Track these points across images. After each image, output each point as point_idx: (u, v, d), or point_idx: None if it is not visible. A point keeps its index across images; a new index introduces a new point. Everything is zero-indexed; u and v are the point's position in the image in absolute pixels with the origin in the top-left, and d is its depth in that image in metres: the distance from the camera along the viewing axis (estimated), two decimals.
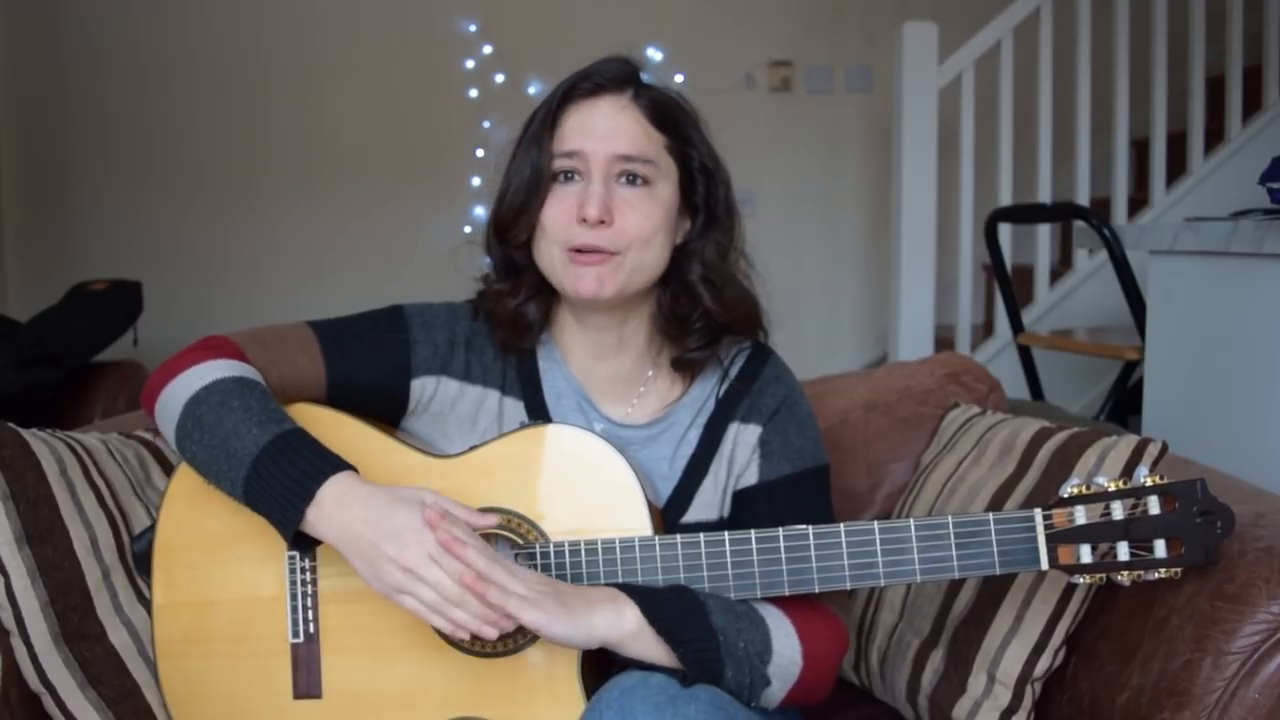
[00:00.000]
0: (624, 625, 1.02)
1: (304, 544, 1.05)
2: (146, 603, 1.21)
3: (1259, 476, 1.34)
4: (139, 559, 1.24)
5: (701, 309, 1.16)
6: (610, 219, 1.10)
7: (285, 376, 1.14)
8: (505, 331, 1.19)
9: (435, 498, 1.03)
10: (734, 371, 1.21)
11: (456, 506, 1.03)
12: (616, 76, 1.14)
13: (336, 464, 1.04)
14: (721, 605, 1.06)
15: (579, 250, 1.11)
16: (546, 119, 1.13)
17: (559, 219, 1.12)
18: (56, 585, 1.17)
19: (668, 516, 1.17)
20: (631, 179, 1.12)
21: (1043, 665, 1.21)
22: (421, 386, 1.18)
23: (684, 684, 1.00)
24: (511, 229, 1.14)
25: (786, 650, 1.08)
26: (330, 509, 1.02)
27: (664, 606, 1.03)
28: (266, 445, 1.03)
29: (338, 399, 1.17)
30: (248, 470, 1.03)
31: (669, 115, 1.15)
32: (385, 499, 1.02)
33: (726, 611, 1.06)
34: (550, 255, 1.13)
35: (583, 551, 1.07)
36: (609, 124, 1.12)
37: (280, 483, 1.02)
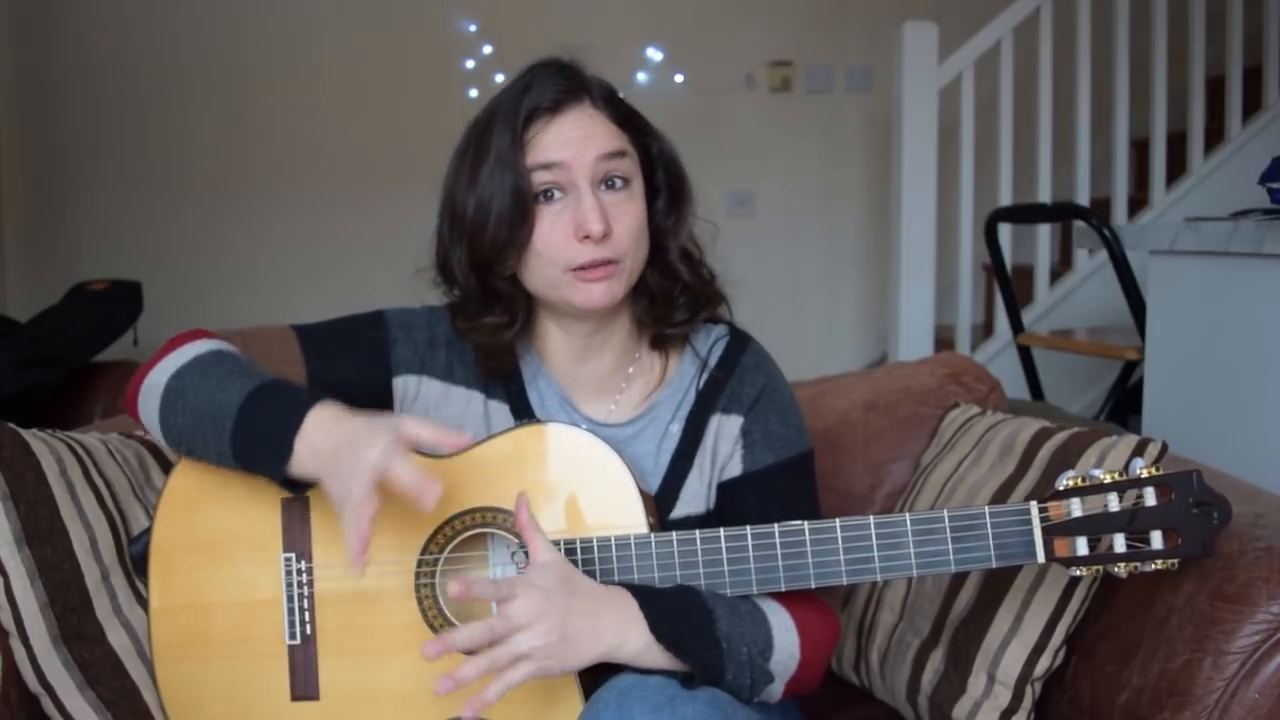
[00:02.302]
0: (625, 650, 1.02)
1: (296, 487, 1.05)
2: (145, 604, 1.21)
3: (1259, 476, 1.34)
4: (137, 561, 1.24)
5: (681, 284, 1.17)
6: (609, 229, 1.09)
7: None
8: (493, 361, 1.17)
9: (411, 424, 1.00)
10: (712, 361, 1.21)
11: (430, 429, 1.00)
12: (571, 86, 1.11)
13: (317, 395, 1.04)
14: (727, 608, 1.06)
15: (583, 268, 1.09)
16: (514, 144, 1.09)
17: (555, 241, 1.09)
18: (56, 586, 1.17)
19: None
20: (611, 183, 1.11)
21: (1043, 665, 1.21)
22: (403, 385, 1.18)
23: (685, 684, 1.00)
24: (498, 263, 1.11)
25: (786, 646, 1.09)
26: (315, 437, 1.01)
27: (671, 617, 1.03)
28: (249, 394, 1.04)
29: None
30: (233, 422, 1.03)
31: (624, 109, 1.15)
32: (364, 419, 1.01)
33: (731, 615, 1.05)
34: (548, 276, 1.11)
35: (578, 550, 1.07)
36: (583, 132, 1.10)
37: (265, 424, 1.02)
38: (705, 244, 1.20)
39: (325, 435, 1.01)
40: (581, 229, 1.08)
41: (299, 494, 1.07)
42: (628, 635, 1.02)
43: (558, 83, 1.11)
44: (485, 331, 1.15)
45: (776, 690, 1.10)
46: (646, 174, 1.16)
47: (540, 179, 1.09)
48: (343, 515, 0.98)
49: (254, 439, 1.04)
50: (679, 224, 1.17)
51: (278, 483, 1.05)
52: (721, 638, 1.03)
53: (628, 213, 1.11)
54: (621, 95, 1.17)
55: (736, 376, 1.20)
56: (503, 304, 1.15)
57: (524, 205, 1.09)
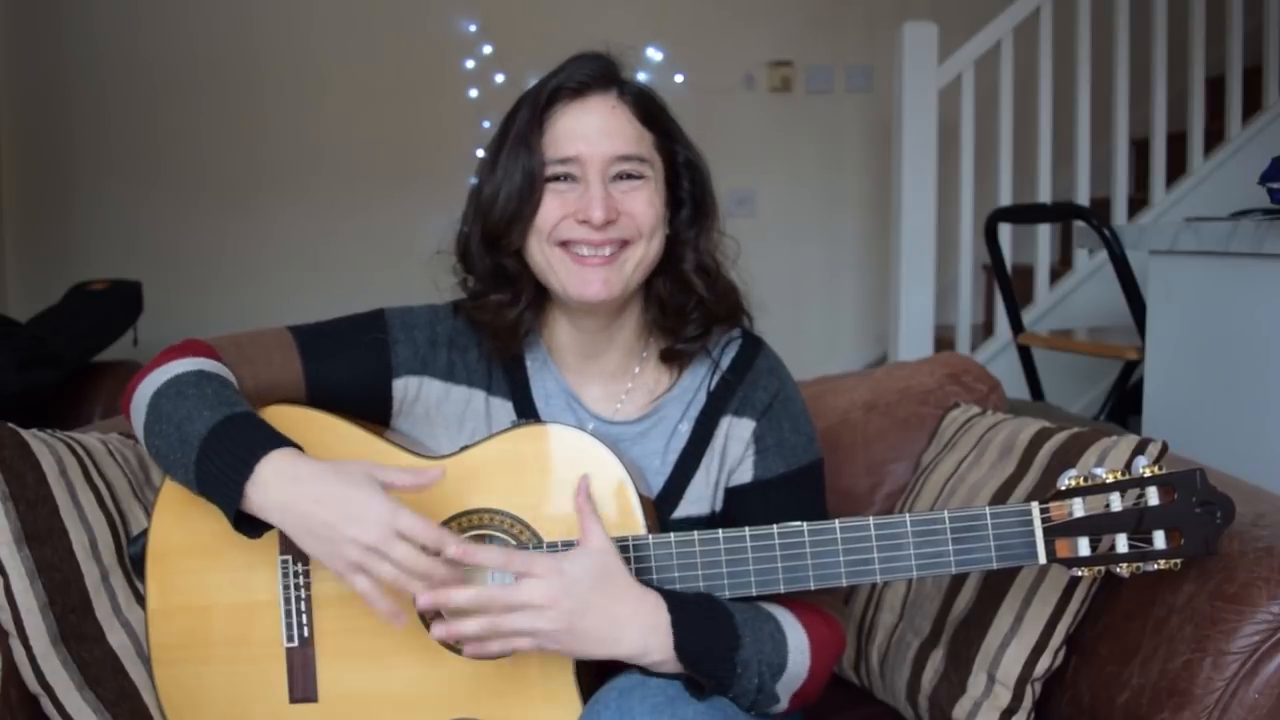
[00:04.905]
0: (644, 661, 1.01)
1: (253, 528, 1.02)
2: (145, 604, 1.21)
3: (1259, 476, 1.34)
4: (135, 562, 1.24)
5: (696, 298, 1.16)
6: (616, 216, 1.09)
7: (262, 380, 1.13)
8: (500, 341, 1.17)
9: (387, 474, 1.00)
10: (725, 363, 1.20)
11: (406, 478, 1.01)
12: (601, 75, 1.13)
13: (276, 440, 1.01)
14: (753, 634, 1.04)
15: (572, 244, 1.10)
16: (533, 122, 1.11)
17: (553, 216, 1.10)
18: (55, 586, 1.17)
19: (659, 511, 1.17)
20: (627, 177, 1.11)
21: (1043, 665, 1.21)
22: (404, 387, 1.17)
23: (689, 690, 1.00)
24: (505, 236, 1.12)
25: (797, 668, 1.08)
26: (273, 487, 0.99)
27: (699, 637, 1.01)
28: (215, 425, 1.01)
29: (319, 402, 1.15)
30: (197, 452, 1.01)
31: (654, 111, 1.15)
32: (334, 477, 0.99)
33: (755, 639, 1.04)
34: (549, 257, 1.12)
35: None
36: (602, 125, 1.11)
37: (224, 460, 1.00)
38: (729, 259, 1.20)
39: (287, 491, 0.99)
40: (582, 213, 1.09)
41: (254, 536, 1.03)
42: (649, 646, 1.01)
43: (588, 68, 1.12)
44: (490, 310, 1.15)
45: (780, 707, 1.09)
46: (670, 181, 1.16)
47: (555, 170, 1.10)
48: (355, 588, 0.99)
49: (211, 475, 1.00)
50: (699, 237, 1.17)
51: (232, 525, 1.01)
52: (739, 663, 1.02)
53: (640, 199, 1.11)
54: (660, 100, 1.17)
55: (749, 380, 1.19)
56: (510, 283, 1.15)
57: (533, 183, 1.10)
